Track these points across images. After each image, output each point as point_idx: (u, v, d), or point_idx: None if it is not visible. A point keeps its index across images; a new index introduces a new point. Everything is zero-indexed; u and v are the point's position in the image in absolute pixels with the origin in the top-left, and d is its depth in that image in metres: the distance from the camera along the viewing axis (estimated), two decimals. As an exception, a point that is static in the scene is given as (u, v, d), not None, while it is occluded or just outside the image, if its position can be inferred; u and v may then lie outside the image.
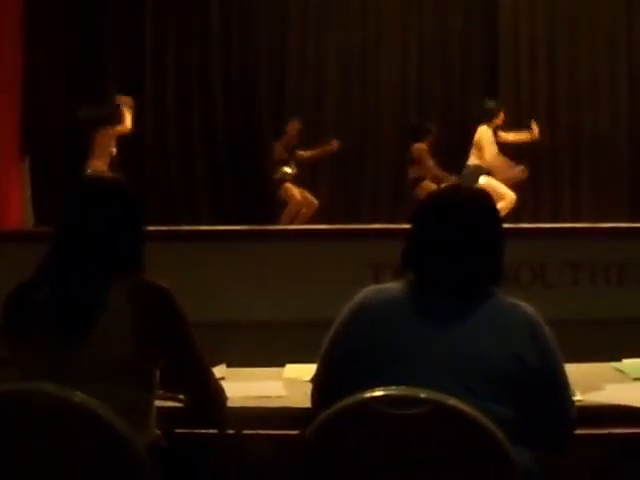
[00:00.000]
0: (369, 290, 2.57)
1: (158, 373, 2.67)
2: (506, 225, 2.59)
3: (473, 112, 9.54)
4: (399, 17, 10.49)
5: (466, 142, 9.48)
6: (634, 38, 10.22)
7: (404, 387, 2.20)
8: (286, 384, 3.20)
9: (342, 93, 10.38)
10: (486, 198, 2.65)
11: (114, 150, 8.71)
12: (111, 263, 2.64)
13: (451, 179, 8.80)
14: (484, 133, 9.07)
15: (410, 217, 2.62)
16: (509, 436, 2.19)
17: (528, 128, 9.38)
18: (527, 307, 2.51)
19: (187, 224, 8.65)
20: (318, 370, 2.63)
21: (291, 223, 9.57)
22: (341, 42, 10.39)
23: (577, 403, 2.65)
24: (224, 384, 2.84)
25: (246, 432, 2.92)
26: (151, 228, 2.78)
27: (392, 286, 2.56)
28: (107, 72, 9.88)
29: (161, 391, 2.76)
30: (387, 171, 10.34)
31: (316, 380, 2.65)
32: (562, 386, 2.52)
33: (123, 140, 8.76)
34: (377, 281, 2.66)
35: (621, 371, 3.34)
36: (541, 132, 9.38)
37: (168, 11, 10.30)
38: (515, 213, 9.25)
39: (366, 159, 10.48)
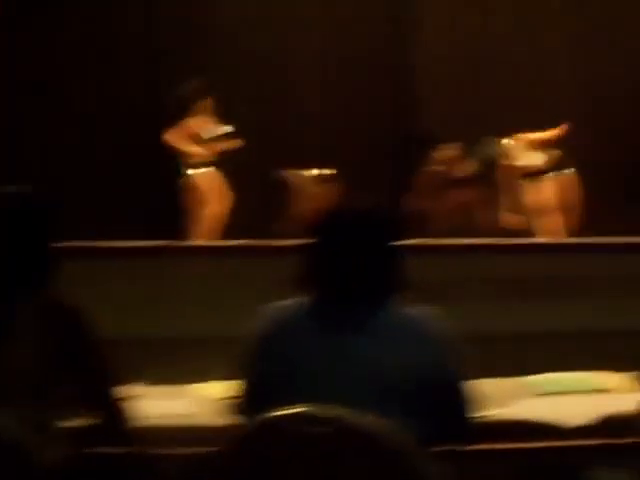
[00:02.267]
0: (273, 308, 2.57)
1: (66, 391, 2.64)
2: (412, 241, 2.61)
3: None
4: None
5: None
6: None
7: (308, 406, 2.21)
8: (197, 402, 3.19)
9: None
10: (381, 211, 2.66)
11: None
12: (16, 279, 2.60)
13: None
14: None
15: (307, 232, 2.59)
16: (414, 448, 2.21)
17: None
18: (429, 317, 2.50)
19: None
20: (240, 393, 2.59)
21: None
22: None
23: (483, 419, 2.68)
24: (141, 402, 2.82)
25: (154, 451, 2.90)
26: (66, 244, 2.74)
27: (294, 303, 2.56)
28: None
29: (70, 409, 2.73)
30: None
31: (240, 404, 2.61)
32: (461, 399, 2.51)
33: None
34: (281, 297, 2.64)
35: (527, 386, 3.40)
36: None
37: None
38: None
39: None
